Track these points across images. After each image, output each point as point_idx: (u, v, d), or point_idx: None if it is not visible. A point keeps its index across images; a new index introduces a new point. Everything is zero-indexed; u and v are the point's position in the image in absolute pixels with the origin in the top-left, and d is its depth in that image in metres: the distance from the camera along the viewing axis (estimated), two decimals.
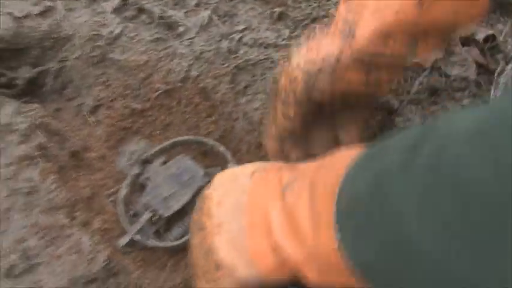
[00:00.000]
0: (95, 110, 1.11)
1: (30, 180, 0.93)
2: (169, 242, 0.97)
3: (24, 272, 0.85)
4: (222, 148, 1.05)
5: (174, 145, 1.07)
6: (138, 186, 1.04)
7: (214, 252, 0.72)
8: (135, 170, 1.04)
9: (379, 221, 0.51)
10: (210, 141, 1.07)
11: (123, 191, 1.02)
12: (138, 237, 0.96)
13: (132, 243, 0.97)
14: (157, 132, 1.10)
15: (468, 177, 0.43)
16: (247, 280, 0.69)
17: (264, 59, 1.09)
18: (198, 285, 0.76)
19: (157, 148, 1.06)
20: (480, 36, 1.13)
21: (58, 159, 1.01)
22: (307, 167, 0.68)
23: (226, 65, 1.09)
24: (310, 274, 0.64)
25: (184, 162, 1.03)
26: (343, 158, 0.61)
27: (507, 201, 0.40)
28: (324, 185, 0.61)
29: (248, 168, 0.75)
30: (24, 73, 1.13)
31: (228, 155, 1.05)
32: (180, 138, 1.07)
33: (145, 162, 1.05)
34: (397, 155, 0.51)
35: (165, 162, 1.05)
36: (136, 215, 1.00)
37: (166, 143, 1.07)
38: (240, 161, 1.06)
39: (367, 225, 0.53)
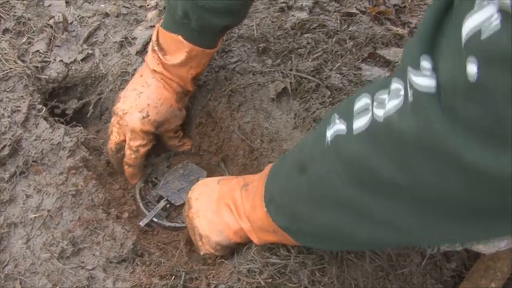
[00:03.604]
0: None
1: (76, 185, 0.96)
2: (178, 224, 1.02)
3: (72, 255, 0.89)
4: (214, 158, 1.11)
5: (175, 154, 1.14)
6: (149, 183, 1.10)
7: (196, 228, 0.89)
8: (147, 171, 1.10)
9: (284, 204, 0.71)
10: (203, 153, 1.13)
11: (139, 186, 1.07)
12: (155, 219, 1.02)
13: (149, 223, 1.02)
14: None
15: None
16: (219, 242, 0.87)
17: (253, 83, 1.10)
18: (198, 249, 0.93)
19: (163, 155, 1.13)
20: None
21: (97, 169, 1.05)
22: (253, 178, 0.85)
23: (223, 89, 1.11)
24: (254, 238, 0.82)
25: (190, 165, 1.09)
26: (266, 170, 0.80)
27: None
28: (257, 187, 0.79)
29: (215, 178, 0.93)
30: (72, 105, 1.17)
31: (222, 165, 1.11)
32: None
33: (153, 165, 1.11)
34: (286, 166, 0.70)
35: (168, 166, 1.11)
36: (149, 203, 1.05)
37: (169, 153, 1.13)
38: (237, 164, 1.10)
39: (279, 206, 0.72)
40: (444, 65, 0.42)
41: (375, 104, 0.51)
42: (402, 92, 0.47)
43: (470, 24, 0.38)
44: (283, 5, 1.24)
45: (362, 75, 1.11)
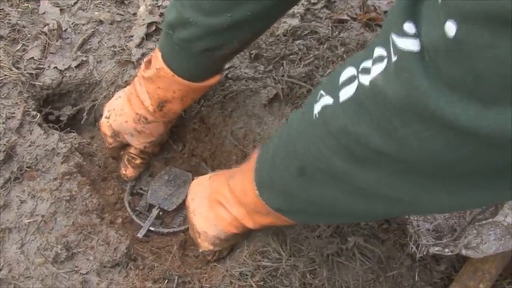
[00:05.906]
0: None
1: (70, 190, 0.98)
2: (175, 228, 1.04)
3: (66, 259, 0.91)
4: (194, 159, 1.13)
5: (154, 161, 1.15)
6: (136, 195, 1.11)
7: (194, 226, 0.91)
8: (131, 183, 1.10)
9: (274, 185, 0.71)
10: (182, 155, 1.14)
11: (127, 199, 1.08)
12: (152, 228, 1.03)
13: (147, 233, 1.03)
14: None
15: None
16: (217, 236, 0.88)
17: (245, 89, 1.12)
18: (197, 246, 0.94)
19: None
20: None
21: (90, 174, 1.06)
22: (241, 166, 0.85)
23: (216, 95, 1.13)
24: (248, 223, 0.83)
25: (174, 170, 1.10)
26: (254, 155, 0.80)
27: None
28: (246, 172, 0.79)
29: (207, 176, 0.94)
30: (67, 111, 1.19)
31: (203, 164, 1.13)
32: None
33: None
34: (273, 146, 0.70)
35: (150, 175, 1.12)
36: (141, 214, 1.06)
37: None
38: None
39: (270, 188, 0.73)
40: (426, 28, 0.42)
41: (360, 72, 0.50)
42: (385, 57, 0.46)
43: None
44: None
45: None
